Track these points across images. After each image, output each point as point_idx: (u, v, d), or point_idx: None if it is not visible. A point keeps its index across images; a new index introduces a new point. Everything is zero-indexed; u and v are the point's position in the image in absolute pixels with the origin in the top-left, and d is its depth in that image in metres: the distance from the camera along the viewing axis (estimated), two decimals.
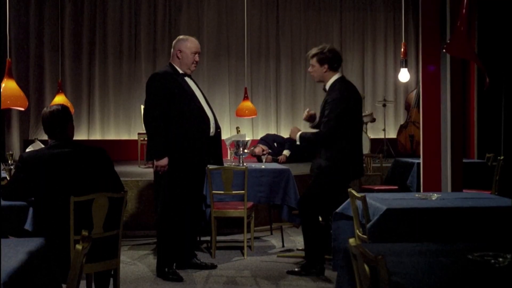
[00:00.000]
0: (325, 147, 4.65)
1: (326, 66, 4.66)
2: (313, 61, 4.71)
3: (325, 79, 4.71)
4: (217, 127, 4.84)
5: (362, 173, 4.84)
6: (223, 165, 5.08)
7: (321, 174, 4.68)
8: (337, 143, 4.58)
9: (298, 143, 4.78)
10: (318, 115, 4.82)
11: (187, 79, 4.79)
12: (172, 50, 4.85)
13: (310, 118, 4.88)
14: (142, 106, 5.21)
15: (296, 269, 4.79)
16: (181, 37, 4.88)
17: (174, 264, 4.74)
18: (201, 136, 4.69)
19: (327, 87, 4.70)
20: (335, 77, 4.69)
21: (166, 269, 4.66)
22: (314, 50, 4.74)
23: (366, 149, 8.81)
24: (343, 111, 4.54)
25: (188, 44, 4.77)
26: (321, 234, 4.73)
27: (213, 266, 4.98)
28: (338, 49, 4.78)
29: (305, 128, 5.63)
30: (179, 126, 4.61)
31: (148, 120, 4.65)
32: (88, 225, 3.30)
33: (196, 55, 4.79)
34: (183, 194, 4.70)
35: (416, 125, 9.54)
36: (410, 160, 7.21)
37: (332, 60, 4.66)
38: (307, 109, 4.93)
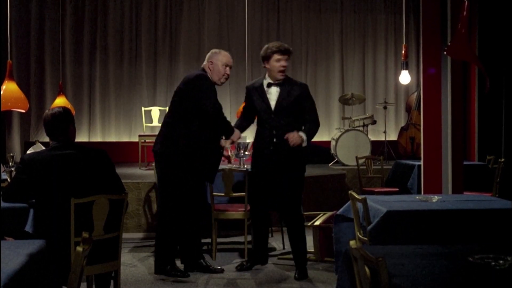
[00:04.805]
0: None
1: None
2: (289, 57, 4.85)
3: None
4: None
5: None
6: (213, 182, 5.05)
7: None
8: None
9: (306, 144, 4.65)
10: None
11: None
12: (204, 62, 4.89)
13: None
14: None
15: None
16: (214, 50, 4.90)
17: (176, 262, 4.78)
18: (215, 146, 4.77)
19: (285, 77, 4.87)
20: None
21: (169, 267, 4.72)
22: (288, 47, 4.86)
23: (367, 151, 8.82)
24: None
25: (219, 56, 4.81)
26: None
27: (221, 271, 4.92)
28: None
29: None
30: (202, 130, 4.70)
31: (214, 111, 4.82)
32: (88, 227, 3.31)
33: (227, 68, 4.83)
34: (185, 195, 4.70)
35: (416, 127, 9.54)
36: (410, 162, 7.20)
37: None
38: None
